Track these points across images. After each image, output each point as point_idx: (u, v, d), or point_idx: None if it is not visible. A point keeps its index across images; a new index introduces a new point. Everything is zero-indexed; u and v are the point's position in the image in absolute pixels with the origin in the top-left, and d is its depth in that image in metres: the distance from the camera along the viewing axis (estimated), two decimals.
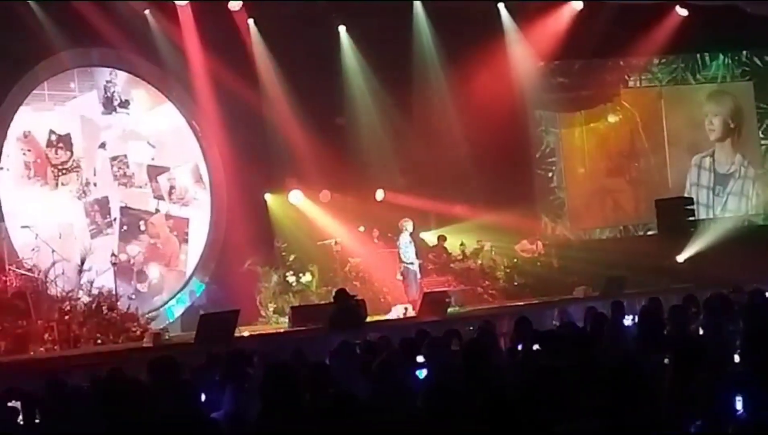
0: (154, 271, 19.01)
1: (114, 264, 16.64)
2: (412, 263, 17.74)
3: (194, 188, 19.81)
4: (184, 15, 18.75)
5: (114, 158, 18.87)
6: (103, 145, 18.75)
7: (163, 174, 19.51)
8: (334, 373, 7.10)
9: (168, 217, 19.43)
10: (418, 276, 17.94)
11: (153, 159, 19.37)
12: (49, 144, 18.20)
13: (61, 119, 18.42)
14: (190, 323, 17.28)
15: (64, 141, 18.41)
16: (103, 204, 18.52)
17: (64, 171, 18.40)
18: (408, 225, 17.83)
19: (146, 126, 19.41)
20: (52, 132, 18.30)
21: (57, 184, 18.15)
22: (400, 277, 17.91)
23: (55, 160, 18.30)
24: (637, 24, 21.41)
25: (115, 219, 18.60)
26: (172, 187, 19.63)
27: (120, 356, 12.92)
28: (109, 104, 18.98)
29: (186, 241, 19.60)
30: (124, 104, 19.16)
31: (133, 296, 17.82)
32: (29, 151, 18.00)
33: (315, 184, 19.77)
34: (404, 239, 17.76)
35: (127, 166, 19.03)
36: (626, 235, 22.85)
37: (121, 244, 18.55)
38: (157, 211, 19.29)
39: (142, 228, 19.10)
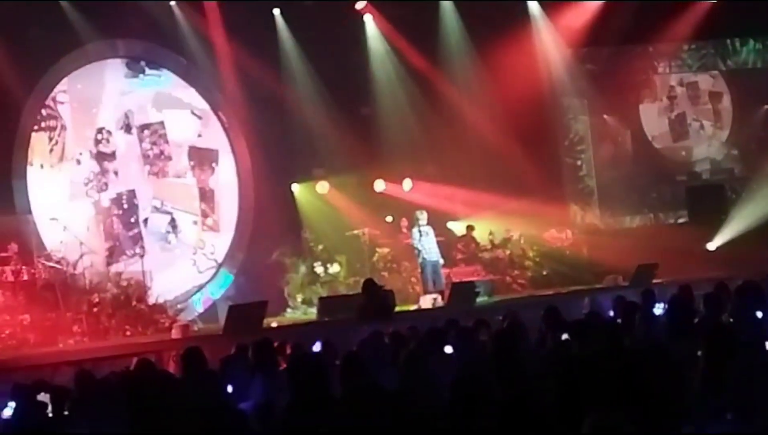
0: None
1: (141, 256, 16.58)
2: (428, 256, 17.35)
3: None
4: (209, 6, 18.75)
5: (145, 127, 15.93)
6: (126, 126, 15.68)
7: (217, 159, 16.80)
8: (363, 363, 7.06)
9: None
10: (439, 267, 17.46)
11: (200, 135, 17.28)
12: None
13: None
14: (212, 316, 17.24)
15: None
16: (130, 201, 16.56)
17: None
18: (421, 217, 17.51)
19: (187, 90, 16.59)
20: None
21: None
22: (419, 269, 17.74)
23: None
24: (666, 10, 21.21)
25: (146, 220, 16.89)
26: None
27: (149, 348, 12.91)
28: (134, 65, 15.71)
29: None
30: (155, 65, 16.27)
31: None
32: None
33: (342, 174, 19.72)
34: (416, 231, 17.49)
35: (165, 141, 15.88)
36: (657, 223, 22.64)
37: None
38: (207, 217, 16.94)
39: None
